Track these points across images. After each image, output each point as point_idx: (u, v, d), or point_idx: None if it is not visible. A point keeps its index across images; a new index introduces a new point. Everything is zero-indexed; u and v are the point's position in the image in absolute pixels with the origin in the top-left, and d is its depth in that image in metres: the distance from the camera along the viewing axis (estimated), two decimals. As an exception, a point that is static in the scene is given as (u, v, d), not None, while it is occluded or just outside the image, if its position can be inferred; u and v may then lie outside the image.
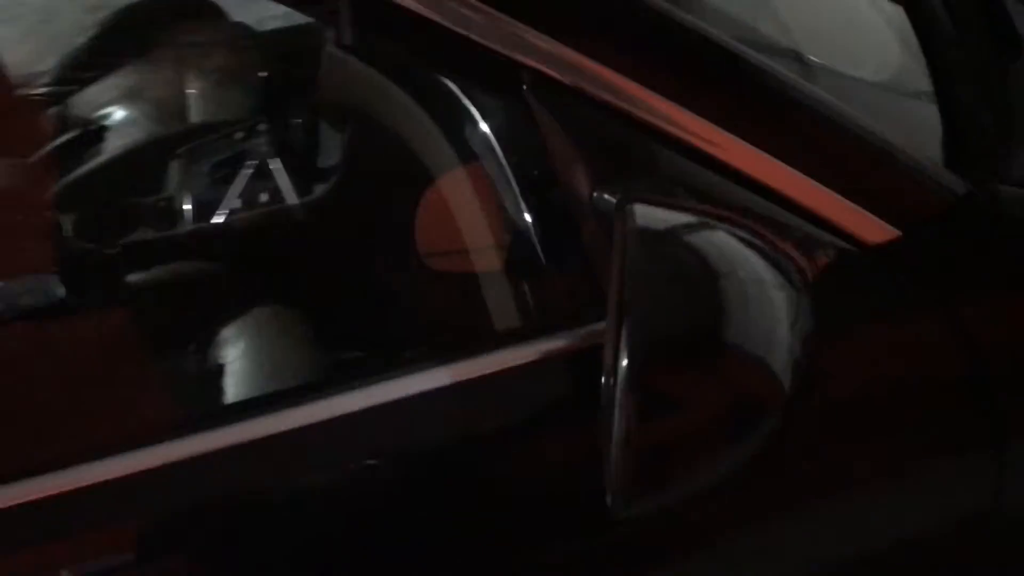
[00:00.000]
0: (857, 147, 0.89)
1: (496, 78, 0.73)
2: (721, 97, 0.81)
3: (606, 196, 0.73)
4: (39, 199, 1.25)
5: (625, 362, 0.60)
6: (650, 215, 0.65)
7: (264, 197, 1.27)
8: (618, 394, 0.60)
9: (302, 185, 1.28)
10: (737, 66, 0.84)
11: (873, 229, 0.88)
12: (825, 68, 1.03)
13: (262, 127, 1.31)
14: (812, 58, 1.04)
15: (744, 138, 0.81)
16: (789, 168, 0.83)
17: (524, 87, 0.73)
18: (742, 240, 0.71)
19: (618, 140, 0.75)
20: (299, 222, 1.26)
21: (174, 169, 1.32)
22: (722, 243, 0.68)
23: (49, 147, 1.27)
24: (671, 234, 0.65)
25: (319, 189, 1.27)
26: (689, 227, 0.67)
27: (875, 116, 0.94)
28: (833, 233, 0.86)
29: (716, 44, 0.83)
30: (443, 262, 0.97)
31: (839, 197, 0.86)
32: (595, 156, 0.74)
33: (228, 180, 1.29)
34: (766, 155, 0.82)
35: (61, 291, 1.17)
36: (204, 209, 1.27)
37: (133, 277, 1.24)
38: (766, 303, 0.67)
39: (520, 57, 0.72)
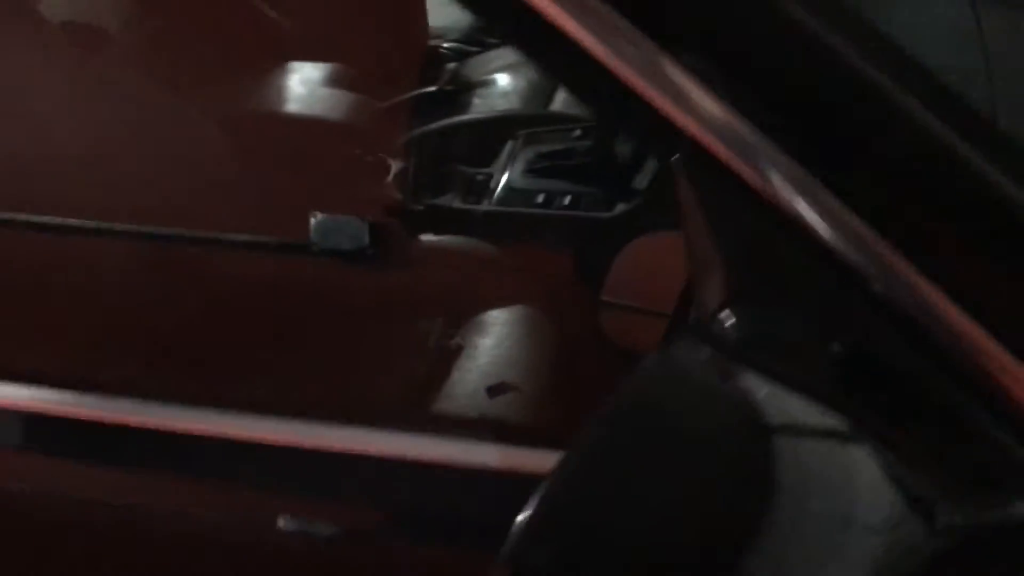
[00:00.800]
0: None
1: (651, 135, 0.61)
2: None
3: (731, 316, 0.58)
4: (380, 144, 1.32)
5: (525, 516, 0.46)
6: (699, 364, 0.49)
7: (566, 200, 1.24)
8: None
9: (606, 199, 1.22)
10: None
11: None
12: None
13: (596, 131, 1.27)
14: None
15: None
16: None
17: (676, 157, 0.61)
18: (872, 456, 0.52)
19: (782, 257, 0.59)
20: (584, 234, 1.21)
21: (506, 148, 1.32)
22: (818, 451, 0.51)
23: (403, 97, 1.34)
24: (717, 400, 0.49)
25: (618, 208, 1.21)
26: (768, 406, 0.50)
27: None
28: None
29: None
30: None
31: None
32: (740, 264, 0.59)
33: (544, 173, 1.27)
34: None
35: (366, 239, 1.24)
36: (511, 194, 1.27)
37: (426, 237, 1.28)
38: (829, 550, 0.49)
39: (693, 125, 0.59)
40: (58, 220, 1.22)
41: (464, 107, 1.41)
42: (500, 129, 1.34)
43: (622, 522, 0.46)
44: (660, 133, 0.61)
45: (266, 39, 1.32)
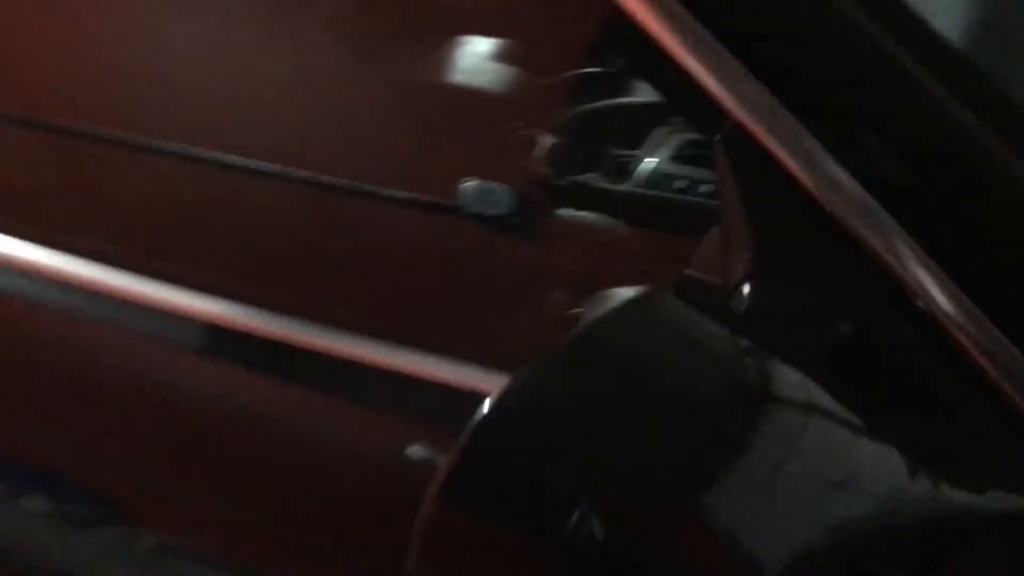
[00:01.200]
0: None
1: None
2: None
3: (751, 288, 0.59)
4: (535, 118, 1.37)
5: (462, 440, 0.46)
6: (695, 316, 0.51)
7: (704, 188, 1.25)
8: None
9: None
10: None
11: None
12: None
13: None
14: None
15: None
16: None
17: (719, 137, 0.62)
18: (866, 433, 0.53)
19: (810, 241, 0.59)
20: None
21: (657, 133, 1.34)
22: (805, 421, 0.51)
23: (564, 75, 1.37)
24: (706, 354, 0.50)
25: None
26: (763, 374, 0.51)
27: None
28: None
29: None
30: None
31: None
32: (764, 242, 0.60)
33: (691, 160, 1.28)
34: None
35: (512, 206, 1.30)
36: (654, 178, 1.29)
37: (563, 212, 1.32)
38: (804, 509, 0.49)
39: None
40: (235, 159, 1.36)
41: (624, 90, 1.43)
42: (655, 115, 1.36)
43: (564, 450, 0.48)
44: (705, 112, 0.62)
45: (442, 12, 1.40)
